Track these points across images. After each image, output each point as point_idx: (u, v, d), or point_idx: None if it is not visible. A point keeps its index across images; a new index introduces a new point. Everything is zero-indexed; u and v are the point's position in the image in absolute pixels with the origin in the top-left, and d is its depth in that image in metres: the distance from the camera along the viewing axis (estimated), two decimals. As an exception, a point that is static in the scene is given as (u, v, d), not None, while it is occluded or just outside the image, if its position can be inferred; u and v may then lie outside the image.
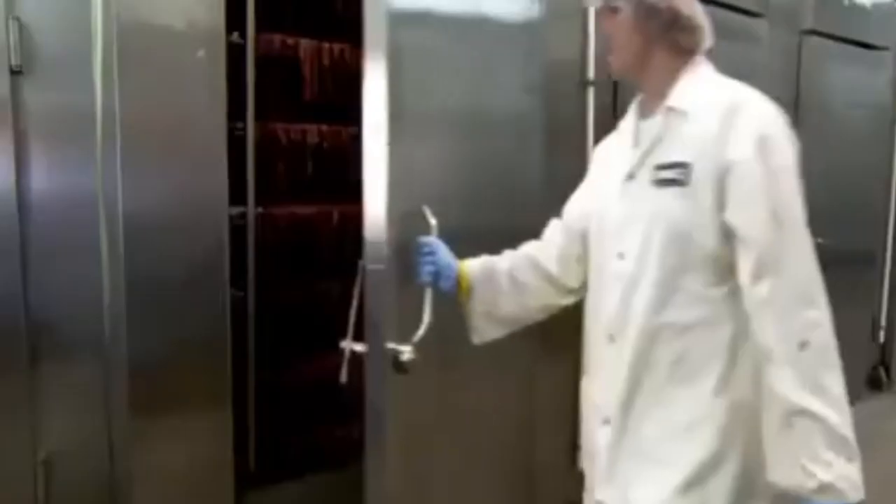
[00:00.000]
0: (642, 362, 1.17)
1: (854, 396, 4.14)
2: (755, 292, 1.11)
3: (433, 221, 1.43)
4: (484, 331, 1.49)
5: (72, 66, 1.58)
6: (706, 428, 1.14)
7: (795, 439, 1.08)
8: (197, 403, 1.70)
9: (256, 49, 2.14)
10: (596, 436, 1.25)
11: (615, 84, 2.46)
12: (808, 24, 3.41)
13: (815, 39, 3.44)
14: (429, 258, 1.41)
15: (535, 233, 1.57)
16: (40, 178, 1.56)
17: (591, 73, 2.47)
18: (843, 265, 3.80)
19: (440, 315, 2.10)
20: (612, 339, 1.22)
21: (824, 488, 1.06)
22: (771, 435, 1.10)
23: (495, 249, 1.54)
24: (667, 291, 1.16)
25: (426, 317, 1.40)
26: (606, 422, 1.22)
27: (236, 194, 1.95)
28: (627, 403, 1.19)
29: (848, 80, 3.68)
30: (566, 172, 1.76)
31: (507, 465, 2.39)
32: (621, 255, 1.22)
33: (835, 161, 3.62)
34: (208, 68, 1.64)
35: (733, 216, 1.15)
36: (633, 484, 1.17)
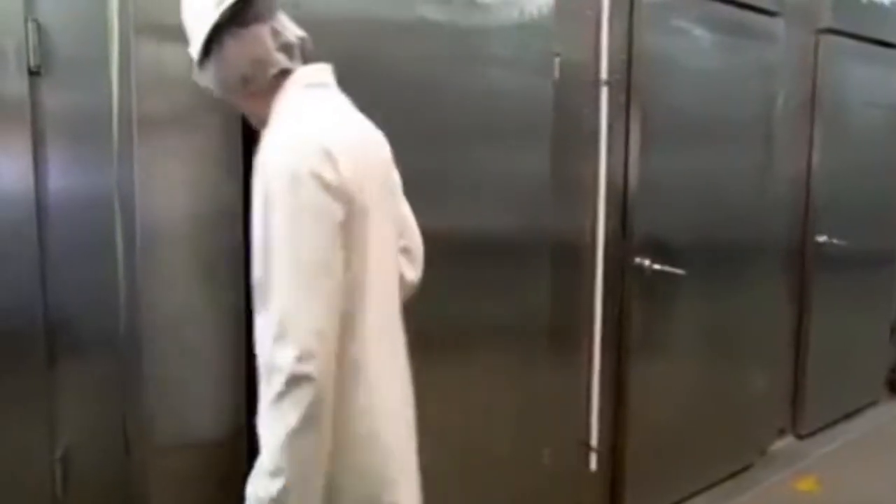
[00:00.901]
0: None
1: (872, 399, 4.07)
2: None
3: None
4: None
5: (89, 66, 1.59)
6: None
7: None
8: (213, 399, 1.71)
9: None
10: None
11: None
12: (825, 22, 3.38)
13: (832, 38, 3.41)
14: None
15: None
16: (58, 178, 1.57)
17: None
18: (860, 266, 3.76)
19: (445, 316, 2.11)
20: None
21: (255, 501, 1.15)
22: None
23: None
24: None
25: None
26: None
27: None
28: None
29: (865, 78, 3.64)
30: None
31: (516, 467, 2.38)
32: None
33: (851, 160, 3.59)
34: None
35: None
36: None
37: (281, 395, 1.08)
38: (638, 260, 2.63)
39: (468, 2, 2.04)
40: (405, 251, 1.51)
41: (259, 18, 1.24)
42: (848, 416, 3.81)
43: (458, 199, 2.12)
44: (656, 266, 2.65)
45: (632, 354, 2.65)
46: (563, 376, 2.48)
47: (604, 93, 2.46)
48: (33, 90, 1.52)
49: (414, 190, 2.00)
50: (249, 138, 1.68)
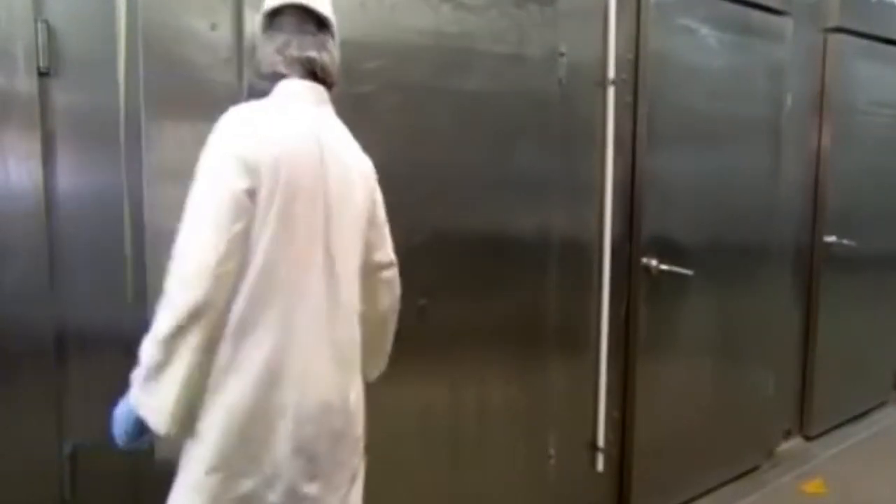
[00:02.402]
0: None
1: (881, 400, 4.04)
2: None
3: None
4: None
5: (97, 67, 1.60)
6: None
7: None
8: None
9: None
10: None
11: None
12: (834, 21, 3.36)
13: (841, 37, 3.39)
14: None
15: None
16: (66, 178, 1.59)
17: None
18: (869, 266, 3.74)
19: (451, 316, 2.11)
20: None
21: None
22: None
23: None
24: None
25: None
26: None
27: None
28: None
29: (874, 77, 3.62)
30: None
31: (523, 467, 2.38)
32: None
33: (860, 160, 3.57)
34: (231, 69, 1.65)
35: None
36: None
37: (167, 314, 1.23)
38: (645, 260, 2.63)
39: (471, 3, 2.04)
40: (383, 267, 1.53)
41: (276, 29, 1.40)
42: (856, 418, 3.79)
43: (465, 198, 2.12)
44: (663, 266, 2.64)
45: (639, 355, 2.64)
46: (570, 377, 2.47)
47: (611, 92, 2.46)
48: (42, 90, 1.53)
49: (418, 190, 2.00)
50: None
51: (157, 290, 1.58)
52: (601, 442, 2.55)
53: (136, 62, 1.56)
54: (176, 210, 1.60)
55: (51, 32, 1.53)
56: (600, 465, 2.56)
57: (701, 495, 2.94)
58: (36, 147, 1.53)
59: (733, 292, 2.99)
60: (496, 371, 2.25)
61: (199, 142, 1.63)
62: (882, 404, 3.96)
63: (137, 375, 1.27)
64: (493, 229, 2.20)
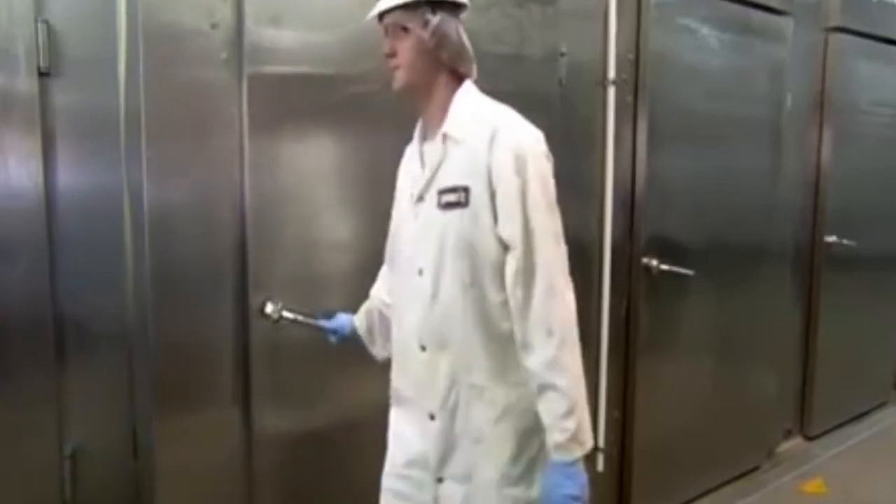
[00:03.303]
0: (462, 367, 1.34)
1: (881, 400, 4.04)
2: (514, 295, 1.30)
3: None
4: (378, 353, 1.63)
5: (97, 67, 1.60)
6: (518, 409, 1.35)
7: (545, 407, 1.29)
8: (220, 398, 1.71)
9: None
10: (419, 428, 1.40)
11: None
12: (834, 21, 3.36)
13: (841, 36, 3.39)
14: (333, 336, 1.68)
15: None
16: (67, 176, 1.59)
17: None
18: (870, 267, 3.74)
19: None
20: (423, 348, 1.37)
21: (561, 447, 1.28)
22: (536, 405, 1.31)
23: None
24: (473, 303, 1.32)
25: None
26: (432, 417, 1.37)
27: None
28: (449, 400, 1.35)
29: (874, 77, 3.62)
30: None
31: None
32: (420, 272, 1.36)
33: (860, 160, 3.56)
34: (231, 68, 1.65)
35: (503, 230, 1.30)
36: (474, 461, 1.36)
37: (564, 342, 1.28)
38: (645, 260, 2.62)
39: (471, 3, 2.04)
40: None
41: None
42: (856, 418, 3.78)
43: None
44: (664, 266, 2.64)
45: (639, 355, 2.64)
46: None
47: (611, 92, 2.45)
48: (43, 90, 1.53)
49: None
50: (251, 136, 1.69)
51: (158, 290, 1.58)
52: (601, 442, 2.55)
53: (136, 62, 1.56)
54: (176, 209, 1.61)
55: (51, 32, 1.53)
56: (600, 466, 2.56)
57: (701, 495, 2.94)
58: (36, 146, 1.53)
59: (734, 292, 2.99)
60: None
61: (199, 141, 1.64)
62: (882, 404, 3.96)
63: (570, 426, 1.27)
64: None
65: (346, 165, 1.87)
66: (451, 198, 1.32)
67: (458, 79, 1.39)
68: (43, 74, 1.53)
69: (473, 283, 1.31)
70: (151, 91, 1.56)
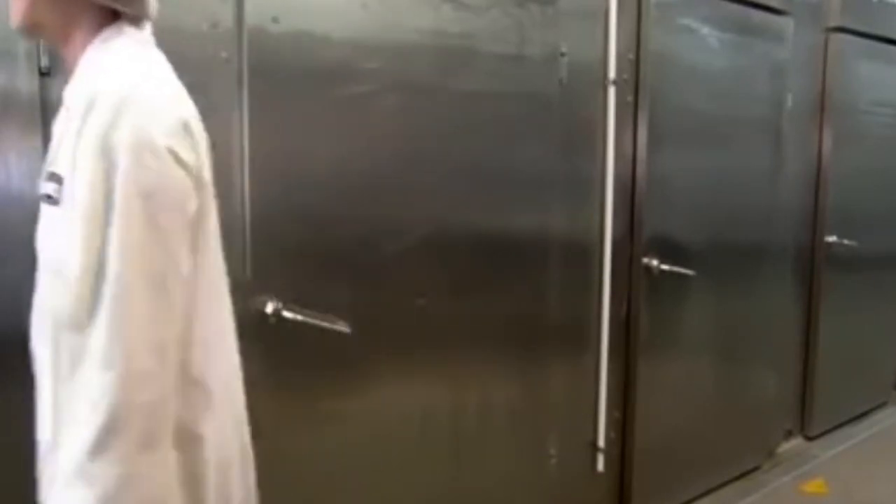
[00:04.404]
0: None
1: (882, 400, 4.05)
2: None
3: None
4: None
5: (98, 67, 1.60)
6: None
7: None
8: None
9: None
10: None
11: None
12: (835, 21, 3.36)
13: (842, 36, 3.39)
14: None
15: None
16: (67, 178, 1.58)
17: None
18: (870, 266, 3.74)
19: (451, 315, 2.11)
20: None
21: None
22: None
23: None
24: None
25: None
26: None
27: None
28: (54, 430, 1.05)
29: (875, 77, 3.62)
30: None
31: (523, 467, 2.38)
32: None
33: (861, 160, 3.57)
34: (231, 68, 1.65)
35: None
36: None
37: (106, 433, 0.86)
38: (646, 260, 2.62)
39: (471, 3, 2.04)
40: None
41: None
42: (857, 418, 3.78)
43: (465, 198, 2.12)
44: (664, 266, 2.64)
45: (639, 355, 2.64)
46: (571, 377, 2.47)
47: (611, 92, 2.45)
48: (44, 90, 1.53)
49: (418, 190, 2.00)
50: (251, 136, 1.69)
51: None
52: (602, 442, 2.55)
53: (136, 62, 1.55)
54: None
55: (51, 32, 1.53)
56: (601, 465, 2.56)
57: (701, 495, 2.94)
58: (37, 146, 1.53)
59: (734, 292, 2.99)
60: (496, 371, 2.25)
61: (200, 141, 1.64)
62: (883, 404, 3.96)
63: None
64: (493, 229, 2.20)
65: (346, 165, 1.87)
66: (48, 189, 0.96)
67: (115, 19, 1.00)
68: (43, 74, 1.53)
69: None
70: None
